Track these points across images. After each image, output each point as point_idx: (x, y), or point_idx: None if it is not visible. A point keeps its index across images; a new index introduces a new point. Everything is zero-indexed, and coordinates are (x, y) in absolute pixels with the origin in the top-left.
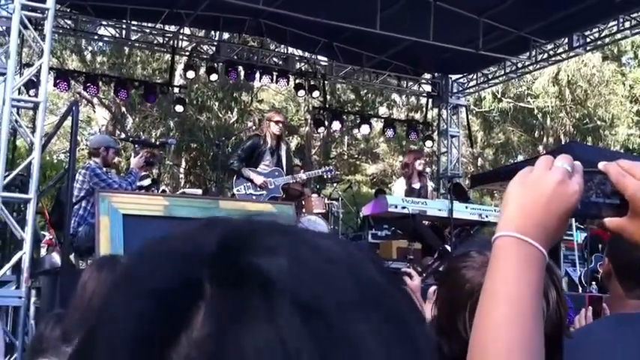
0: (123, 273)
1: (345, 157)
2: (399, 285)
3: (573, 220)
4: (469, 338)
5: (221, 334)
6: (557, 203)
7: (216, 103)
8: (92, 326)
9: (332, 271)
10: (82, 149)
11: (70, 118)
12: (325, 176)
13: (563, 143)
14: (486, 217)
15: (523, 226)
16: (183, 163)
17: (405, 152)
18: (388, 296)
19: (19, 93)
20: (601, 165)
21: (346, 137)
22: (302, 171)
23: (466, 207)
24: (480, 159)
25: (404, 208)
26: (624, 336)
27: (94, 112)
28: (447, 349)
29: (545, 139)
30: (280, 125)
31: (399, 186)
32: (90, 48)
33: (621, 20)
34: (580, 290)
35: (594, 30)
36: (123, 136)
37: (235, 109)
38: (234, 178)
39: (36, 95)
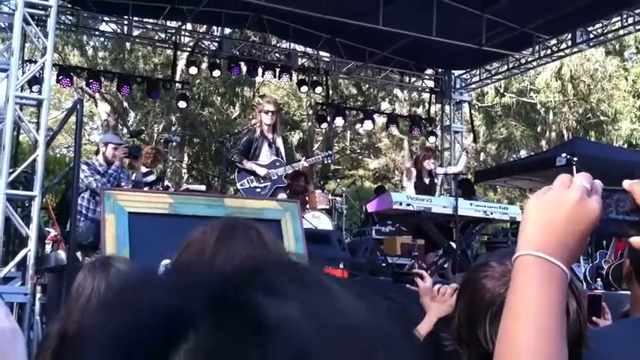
0: (125, 290)
1: (348, 152)
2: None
3: None
4: (488, 347)
5: None
6: (577, 221)
7: (219, 98)
8: (82, 328)
9: (341, 327)
10: (85, 144)
11: (74, 115)
12: (325, 161)
13: (566, 140)
14: (491, 214)
15: (544, 244)
16: (186, 158)
17: (408, 147)
18: None
19: (21, 90)
20: (626, 184)
21: (348, 132)
22: (303, 159)
23: (471, 204)
24: (482, 154)
25: (409, 205)
26: None
27: (96, 106)
28: (466, 358)
29: (547, 134)
30: (270, 114)
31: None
32: (92, 43)
33: (624, 16)
34: (584, 286)
35: (597, 26)
36: (125, 131)
37: (237, 104)
38: (236, 172)
39: (39, 92)
